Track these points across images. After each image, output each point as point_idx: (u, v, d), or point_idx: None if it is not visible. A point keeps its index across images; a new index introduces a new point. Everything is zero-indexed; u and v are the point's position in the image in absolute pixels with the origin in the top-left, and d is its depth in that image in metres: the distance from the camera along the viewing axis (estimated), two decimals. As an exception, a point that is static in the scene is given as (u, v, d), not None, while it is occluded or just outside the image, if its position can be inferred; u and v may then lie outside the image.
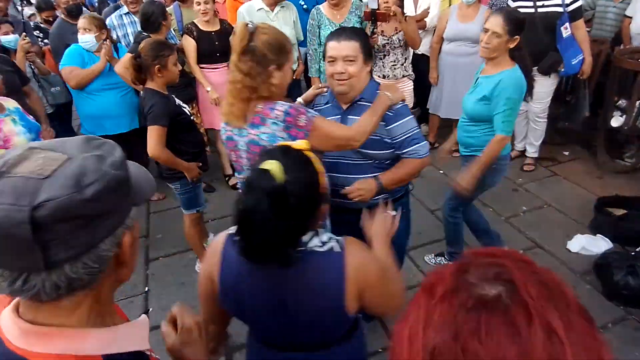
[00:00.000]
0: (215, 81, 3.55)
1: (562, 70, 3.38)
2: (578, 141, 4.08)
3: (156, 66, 2.31)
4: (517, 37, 2.20)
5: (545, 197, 3.50)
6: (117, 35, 3.57)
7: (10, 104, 2.39)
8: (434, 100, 4.04)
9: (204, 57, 3.48)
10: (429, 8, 3.87)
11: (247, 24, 1.51)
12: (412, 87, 3.54)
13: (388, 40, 3.29)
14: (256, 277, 1.09)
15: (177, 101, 2.50)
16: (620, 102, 3.52)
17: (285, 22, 3.52)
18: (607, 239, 2.88)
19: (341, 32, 1.74)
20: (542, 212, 3.35)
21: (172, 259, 3.10)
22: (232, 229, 1.12)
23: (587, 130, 3.90)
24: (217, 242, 1.18)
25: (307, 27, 3.47)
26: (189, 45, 3.41)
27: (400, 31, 3.29)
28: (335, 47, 1.69)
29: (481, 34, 2.27)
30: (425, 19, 3.85)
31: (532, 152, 3.84)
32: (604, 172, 3.75)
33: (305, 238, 1.06)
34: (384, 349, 2.30)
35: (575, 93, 3.73)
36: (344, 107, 1.82)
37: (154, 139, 2.30)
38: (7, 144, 2.26)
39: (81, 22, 3.01)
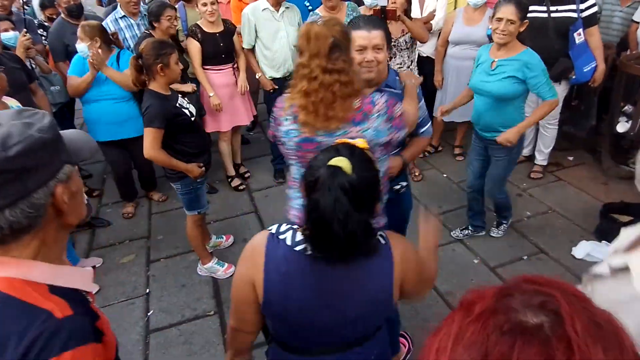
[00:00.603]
0: (220, 82, 3.53)
1: (574, 77, 3.31)
2: (583, 146, 4.06)
3: (159, 65, 2.30)
4: (526, 20, 2.48)
5: (550, 202, 3.47)
6: (125, 37, 3.54)
7: (13, 103, 2.38)
8: (437, 104, 4.02)
9: (209, 59, 3.45)
10: (434, 10, 3.85)
11: (313, 23, 1.48)
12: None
13: (395, 42, 3.27)
14: (308, 276, 1.09)
15: (181, 101, 2.48)
16: (626, 107, 3.49)
17: (290, 22, 3.50)
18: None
19: (368, 22, 1.77)
20: (546, 217, 3.32)
21: (173, 260, 3.08)
22: (272, 228, 1.15)
23: (592, 135, 3.88)
24: (257, 244, 1.15)
25: None
26: (194, 48, 3.37)
27: (407, 33, 3.27)
28: (366, 37, 1.73)
29: (494, 23, 2.47)
30: (431, 22, 3.83)
31: (540, 159, 3.80)
32: (608, 178, 3.72)
33: None
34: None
35: (583, 100, 3.69)
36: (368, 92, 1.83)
37: (148, 141, 2.32)
38: None
39: (78, 30, 3.00)
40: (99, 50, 2.96)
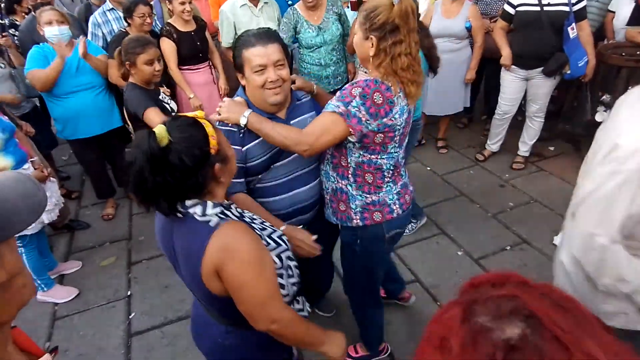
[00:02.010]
0: (198, 81, 3.46)
1: (568, 72, 3.28)
2: (563, 136, 4.10)
3: (126, 63, 2.33)
4: None
5: (532, 192, 3.50)
6: (103, 33, 3.46)
7: None
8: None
9: (186, 59, 3.37)
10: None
11: (393, 1, 1.41)
12: None
13: None
14: (161, 223, 1.23)
15: (162, 96, 2.47)
16: (604, 97, 3.53)
17: (269, 18, 3.46)
18: (593, 234, 2.88)
19: (261, 36, 1.55)
20: (528, 207, 3.35)
21: (155, 261, 3.02)
22: None
23: (589, 130, 3.87)
24: None
25: (281, 25, 3.33)
26: (168, 48, 3.24)
27: None
28: (263, 53, 1.51)
29: None
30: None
31: (523, 150, 3.83)
32: (589, 167, 3.76)
33: (188, 203, 1.11)
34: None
35: (576, 95, 3.69)
36: (284, 116, 1.68)
37: (155, 120, 2.28)
38: None
39: (49, 14, 2.82)
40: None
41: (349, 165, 1.60)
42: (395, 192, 1.68)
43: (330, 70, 3.34)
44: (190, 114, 1.16)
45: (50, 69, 2.83)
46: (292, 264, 1.28)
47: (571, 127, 3.85)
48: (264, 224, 1.28)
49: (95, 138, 3.18)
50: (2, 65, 3.21)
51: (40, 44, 2.94)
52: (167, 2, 3.35)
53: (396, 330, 2.36)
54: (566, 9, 3.10)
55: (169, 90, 3.22)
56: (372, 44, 1.45)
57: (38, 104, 3.66)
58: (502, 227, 3.15)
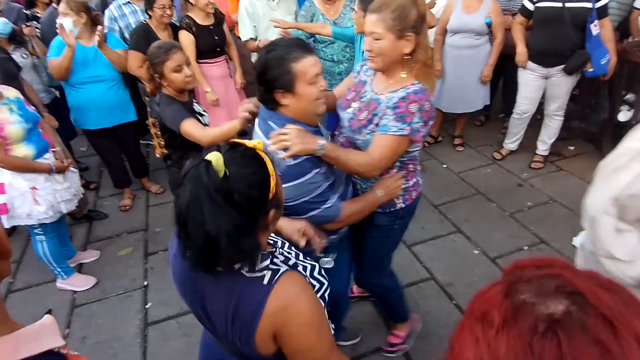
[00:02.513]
0: (215, 75, 3.46)
1: (591, 70, 3.21)
2: (583, 136, 4.02)
3: (155, 75, 2.11)
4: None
5: (551, 192, 3.45)
6: (120, 27, 3.49)
7: (11, 93, 2.32)
8: (435, 94, 3.98)
9: (204, 53, 3.35)
10: (435, -1, 3.78)
11: None
12: None
13: None
14: (184, 278, 1.07)
15: (198, 108, 2.30)
16: (628, 96, 3.45)
17: (287, 12, 3.44)
18: (614, 236, 2.83)
19: (304, 46, 1.45)
20: (547, 207, 3.30)
21: (171, 252, 3.05)
22: None
23: (604, 129, 3.80)
24: None
25: (298, 18, 3.33)
26: (187, 41, 3.23)
27: None
28: (315, 62, 1.43)
29: None
30: (432, 11, 3.77)
31: (542, 149, 3.77)
32: (610, 168, 3.69)
33: None
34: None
35: (594, 93, 3.62)
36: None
37: (194, 130, 2.02)
38: (1, 133, 2.21)
39: (61, 6, 2.89)
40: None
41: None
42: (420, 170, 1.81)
43: (343, 67, 3.31)
44: (249, 143, 0.96)
45: (61, 57, 2.89)
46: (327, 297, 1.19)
47: (586, 125, 3.79)
48: (299, 258, 1.14)
49: (110, 129, 3.24)
50: (25, 56, 3.26)
51: None
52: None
53: (411, 328, 2.35)
54: (589, 5, 3.03)
55: None
56: (410, 41, 1.47)
57: (58, 95, 3.71)
58: (519, 226, 3.10)
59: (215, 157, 0.86)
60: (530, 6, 3.27)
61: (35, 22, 3.86)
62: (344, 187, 1.62)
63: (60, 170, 2.46)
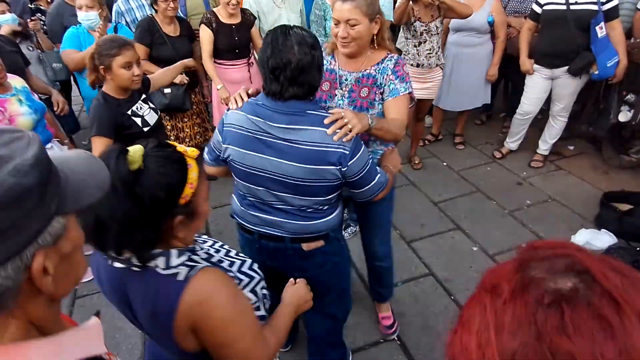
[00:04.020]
0: (230, 78, 3.29)
1: (596, 73, 3.22)
2: (583, 136, 4.05)
3: (101, 67, 2.04)
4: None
5: (550, 191, 3.47)
6: (127, 21, 3.51)
7: (18, 82, 2.34)
8: (438, 92, 3.99)
9: (222, 53, 3.20)
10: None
11: None
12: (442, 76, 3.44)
13: (426, 27, 3.14)
14: (104, 270, 1.03)
15: (138, 106, 2.21)
16: (628, 96, 3.47)
17: (292, 9, 3.45)
18: (612, 234, 2.85)
19: None
20: (546, 206, 3.32)
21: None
22: None
23: (613, 134, 3.79)
24: None
25: (311, 17, 3.32)
26: (205, 36, 3.12)
27: (437, 18, 3.11)
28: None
29: None
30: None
31: (543, 149, 3.79)
32: (609, 167, 3.72)
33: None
34: (385, 340, 2.29)
35: (602, 97, 3.62)
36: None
37: (97, 151, 1.98)
38: (11, 125, 2.23)
39: (79, 0, 2.94)
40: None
41: None
42: None
43: None
44: (180, 148, 0.96)
45: (85, 53, 2.88)
46: (266, 291, 1.20)
47: (594, 129, 3.79)
48: (229, 255, 1.16)
49: None
50: (30, 48, 3.29)
51: (78, 25, 3.06)
52: None
53: (409, 323, 2.37)
54: (594, 7, 3.04)
55: (185, 78, 3.20)
56: (378, 23, 1.68)
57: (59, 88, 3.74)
58: (518, 224, 3.13)
59: (134, 150, 0.87)
60: (538, 9, 3.29)
61: (39, 15, 3.89)
62: None
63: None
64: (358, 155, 1.36)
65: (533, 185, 3.56)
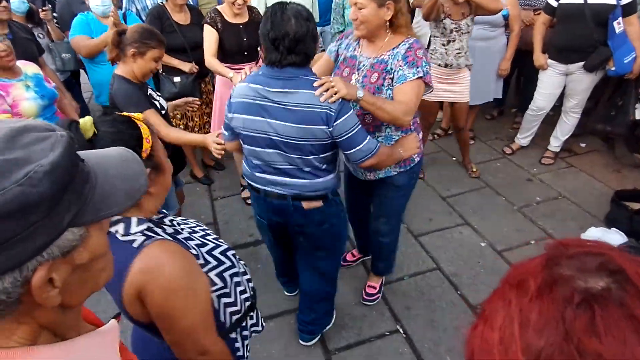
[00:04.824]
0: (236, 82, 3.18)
1: (612, 69, 3.15)
2: (596, 133, 3.99)
3: (132, 50, 2.06)
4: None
5: (560, 188, 3.43)
6: (137, 9, 3.50)
7: (30, 69, 2.35)
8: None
9: (229, 56, 2.92)
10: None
11: None
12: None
13: (456, 25, 3.03)
14: None
15: (151, 92, 2.26)
16: (644, 94, 3.41)
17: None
18: (622, 233, 2.82)
19: None
20: (556, 203, 3.29)
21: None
22: None
23: (630, 131, 3.73)
24: None
25: (332, 5, 3.42)
26: (208, 35, 2.87)
27: (468, 15, 3.00)
28: None
29: None
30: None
31: (555, 145, 3.74)
32: (621, 166, 3.67)
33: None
34: (391, 332, 2.29)
35: (620, 94, 3.55)
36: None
37: (158, 122, 2.07)
38: (15, 109, 2.24)
39: None
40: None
41: None
42: None
43: None
44: (124, 114, 1.04)
45: (101, 40, 2.92)
46: (245, 278, 1.21)
47: (612, 127, 3.72)
48: (206, 238, 1.17)
49: None
50: (41, 36, 3.30)
51: (86, 12, 3.07)
52: None
53: (415, 317, 2.37)
54: (612, 2, 2.98)
55: (194, 66, 3.11)
56: (390, 9, 1.70)
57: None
58: (527, 220, 3.10)
59: (83, 120, 0.93)
60: (554, 3, 3.23)
61: (49, 5, 3.90)
62: None
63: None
64: (344, 118, 1.51)
65: (543, 182, 3.53)
